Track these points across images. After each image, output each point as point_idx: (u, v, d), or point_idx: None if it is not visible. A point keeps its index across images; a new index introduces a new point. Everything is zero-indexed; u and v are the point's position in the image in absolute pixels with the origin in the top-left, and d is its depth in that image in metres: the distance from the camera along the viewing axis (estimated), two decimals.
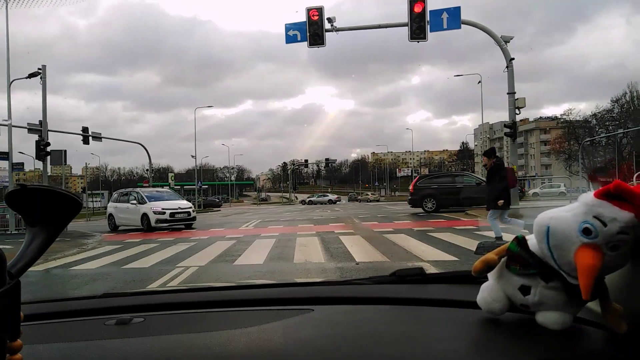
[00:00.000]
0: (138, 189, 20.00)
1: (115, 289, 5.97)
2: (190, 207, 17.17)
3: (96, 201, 59.03)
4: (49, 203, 0.63)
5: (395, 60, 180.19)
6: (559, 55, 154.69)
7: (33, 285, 6.57)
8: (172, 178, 48.82)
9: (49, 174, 26.51)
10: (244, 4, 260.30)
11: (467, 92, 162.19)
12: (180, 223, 16.57)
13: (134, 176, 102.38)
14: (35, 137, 19.08)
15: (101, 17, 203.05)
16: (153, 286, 5.96)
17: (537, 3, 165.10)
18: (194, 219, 17.01)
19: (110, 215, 18.36)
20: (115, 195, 19.46)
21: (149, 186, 28.47)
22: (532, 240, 0.84)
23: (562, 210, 0.78)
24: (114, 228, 17.84)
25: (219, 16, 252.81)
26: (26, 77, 18.90)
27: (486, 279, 0.93)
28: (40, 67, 18.75)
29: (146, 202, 16.64)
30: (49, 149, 18.91)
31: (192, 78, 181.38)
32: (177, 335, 0.92)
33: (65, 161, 21.12)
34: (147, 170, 30.83)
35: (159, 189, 22.80)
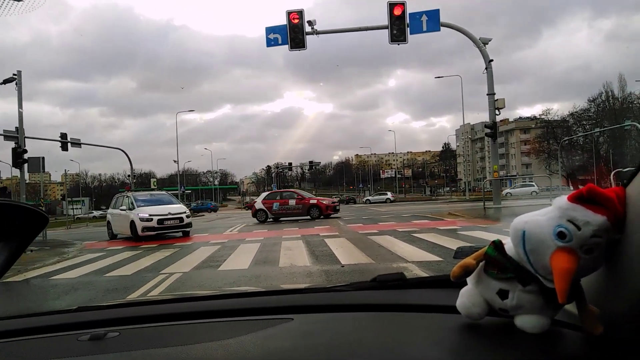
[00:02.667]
0: (132, 192, 17.36)
1: (97, 298, 5.86)
2: (184, 212, 15.06)
3: (77, 208, 58.02)
4: (12, 218, 0.60)
5: (370, 64, 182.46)
6: (527, 58, 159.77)
7: (12, 296, 6.41)
8: (155, 183, 48.28)
9: (27, 181, 25.95)
10: (218, 9, 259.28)
11: (443, 94, 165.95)
12: (171, 231, 14.80)
13: (116, 182, 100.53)
14: (12, 144, 18.65)
15: (73, 23, 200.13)
16: (135, 295, 5.87)
17: (501, 8, 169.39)
18: (188, 225, 15.05)
19: (109, 222, 16.97)
20: (113, 200, 17.73)
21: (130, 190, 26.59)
22: (509, 245, 0.84)
23: (537, 214, 0.79)
24: (113, 237, 16.29)
25: (193, 21, 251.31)
26: (0, 84, 18.49)
27: (466, 283, 0.93)
28: (16, 72, 18.37)
29: (134, 208, 14.79)
30: (26, 156, 18.50)
31: (168, 83, 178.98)
32: (152, 350, 0.90)
33: (44, 168, 20.69)
34: (128, 176, 30.27)
35: (156, 192, 19.55)
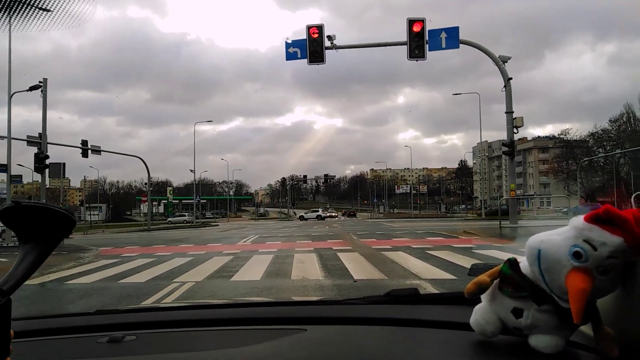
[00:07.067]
0: None
1: (110, 304, 5.91)
2: None
3: (94, 214, 58.89)
4: (43, 220, 0.63)
5: (377, 82, 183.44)
6: (534, 78, 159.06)
7: (27, 299, 6.51)
8: (171, 192, 48.91)
9: (47, 186, 26.49)
10: (229, 25, 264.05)
11: (452, 112, 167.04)
12: None
13: (133, 190, 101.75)
14: (34, 149, 19.11)
15: (92, 37, 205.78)
16: (148, 302, 5.91)
17: (505, 30, 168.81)
18: None
19: None
20: None
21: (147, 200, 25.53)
22: (524, 263, 0.84)
23: (553, 233, 0.79)
24: None
25: (206, 36, 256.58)
26: (27, 90, 19.04)
27: (480, 300, 0.93)
28: (42, 80, 18.90)
29: None
30: (47, 161, 18.93)
31: (181, 95, 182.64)
32: (168, 355, 0.91)
33: (64, 174, 21.14)
34: (145, 183, 30.62)
35: None
